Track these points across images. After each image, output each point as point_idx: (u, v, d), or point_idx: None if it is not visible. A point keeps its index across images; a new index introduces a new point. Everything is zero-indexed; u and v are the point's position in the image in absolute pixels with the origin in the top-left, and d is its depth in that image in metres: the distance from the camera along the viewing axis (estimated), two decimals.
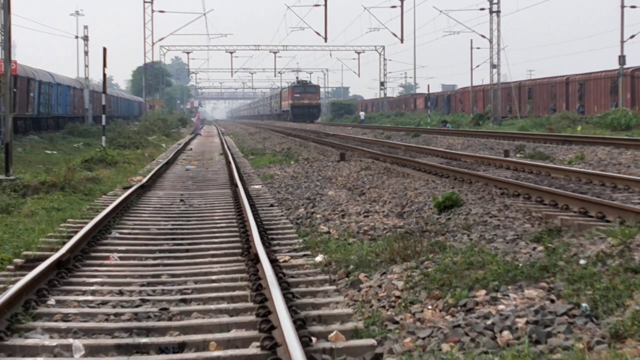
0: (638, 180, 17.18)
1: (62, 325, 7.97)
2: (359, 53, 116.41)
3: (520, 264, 9.29)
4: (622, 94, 62.44)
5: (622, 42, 64.28)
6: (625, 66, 63.22)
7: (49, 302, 8.79)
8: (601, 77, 67.53)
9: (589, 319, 7.20)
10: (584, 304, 7.55)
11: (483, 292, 8.34)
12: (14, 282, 9.01)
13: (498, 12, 70.86)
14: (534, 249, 10.46)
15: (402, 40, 77.65)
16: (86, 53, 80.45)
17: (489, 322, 7.44)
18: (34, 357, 6.89)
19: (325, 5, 75.86)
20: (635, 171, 20.77)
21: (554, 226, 12.03)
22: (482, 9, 70.33)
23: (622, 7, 64.06)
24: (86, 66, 79.10)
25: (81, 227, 12.96)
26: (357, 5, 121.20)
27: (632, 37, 64.86)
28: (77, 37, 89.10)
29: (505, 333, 7.11)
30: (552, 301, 7.81)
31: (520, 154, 27.52)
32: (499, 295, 8.21)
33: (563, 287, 8.20)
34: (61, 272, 10.03)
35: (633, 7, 64.54)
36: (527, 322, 7.25)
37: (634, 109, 55.50)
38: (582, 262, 9.28)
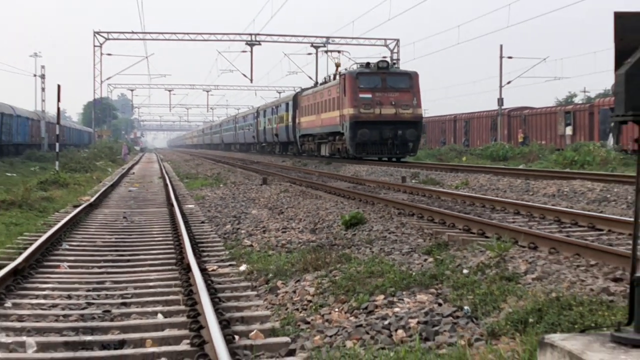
0: (512, 203, 17.46)
1: (17, 324, 7.84)
2: (279, 93, 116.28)
3: (414, 273, 9.36)
4: (500, 131, 64.46)
5: (501, 87, 65.97)
6: (503, 107, 65.32)
7: (6, 305, 8.64)
8: (483, 116, 69.37)
9: (470, 320, 7.29)
10: (466, 307, 7.64)
11: (382, 296, 8.39)
12: None
13: (398, 59, 71.93)
14: (425, 260, 10.55)
15: (316, 84, 77.98)
16: (43, 89, 79.65)
17: (386, 322, 7.49)
18: None
19: (251, 51, 75.92)
20: (510, 195, 21.10)
21: (442, 241, 12.14)
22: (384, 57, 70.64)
23: (501, 57, 65.75)
24: (43, 100, 78.48)
25: (35, 240, 12.79)
26: (279, 51, 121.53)
27: (508, 82, 66.51)
28: (35, 75, 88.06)
29: (400, 332, 7.16)
30: (440, 304, 7.89)
31: (415, 180, 27.73)
32: (395, 299, 8.27)
33: (449, 292, 8.30)
34: (17, 278, 9.87)
35: (510, 57, 66.36)
36: (418, 322, 7.31)
37: (510, 143, 57.18)
38: (465, 271, 9.40)
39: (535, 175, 26.50)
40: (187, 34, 79.10)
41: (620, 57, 4.63)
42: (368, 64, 43.71)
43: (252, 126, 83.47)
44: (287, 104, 62.95)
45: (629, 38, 4.63)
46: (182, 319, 7.91)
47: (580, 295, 7.54)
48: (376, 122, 40.96)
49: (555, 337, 4.75)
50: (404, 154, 42.20)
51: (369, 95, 41.43)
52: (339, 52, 56.78)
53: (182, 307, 8.44)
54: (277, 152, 71.67)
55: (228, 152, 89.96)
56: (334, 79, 48.75)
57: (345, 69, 45.23)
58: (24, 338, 7.20)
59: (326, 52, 60.91)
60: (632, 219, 4.80)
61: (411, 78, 42.91)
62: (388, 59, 43.98)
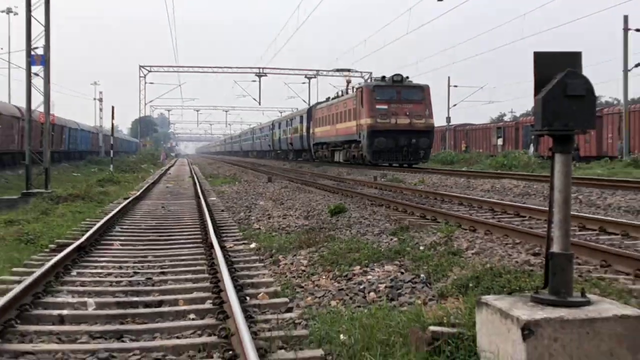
0: (457, 196, 17.48)
1: (80, 288, 7.81)
2: (280, 112, 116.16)
3: (382, 249, 9.38)
4: (448, 141, 64.49)
5: (449, 108, 66.03)
6: (450, 124, 65.76)
7: (72, 273, 8.61)
8: (437, 131, 69.23)
9: (425, 285, 7.31)
10: (422, 275, 7.66)
11: (358, 267, 8.40)
12: (48, 260, 8.82)
13: None
14: (391, 239, 10.56)
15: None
16: (101, 109, 79.74)
17: (361, 286, 7.50)
18: (61, 309, 6.72)
19: (260, 81, 75.98)
20: (455, 190, 21.11)
21: (404, 225, 12.14)
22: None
23: (449, 86, 66.01)
24: (100, 118, 78.56)
25: (94, 224, 12.73)
26: (281, 81, 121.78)
27: (454, 105, 67.07)
28: (94, 99, 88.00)
29: (372, 294, 7.17)
30: (402, 273, 7.90)
31: (384, 179, 27.74)
32: (368, 269, 8.27)
33: (409, 264, 8.32)
34: (80, 253, 9.83)
35: (455, 86, 66.86)
36: (386, 287, 7.32)
37: (455, 151, 57.44)
38: (421, 248, 9.42)
39: (474, 175, 26.59)
40: (211, 67, 79.32)
41: (538, 86, 4.64)
42: (384, 77, 38.36)
43: (268, 136, 77.76)
44: (302, 117, 57.63)
45: (544, 72, 4.64)
46: (206, 284, 7.89)
47: (508, 266, 7.59)
48: (392, 131, 35.84)
49: (489, 298, 4.76)
50: (417, 161, 37.09)
51: (385, 107, 36.29)
52: (349, 70, 51.56)
53: (206, 275, 8.41)
54: (290, 158, 65.13)
55: (244, 158, 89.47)
56: (346, 93, 44.90)
57: (359, 83, 40.60)
58: (85, 299, 7.17)
59: (337, 70, 55.13)
60: (547, 209, 4.81)
61: (423, 90, 37.62)
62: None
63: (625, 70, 40.67)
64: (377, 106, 36.35)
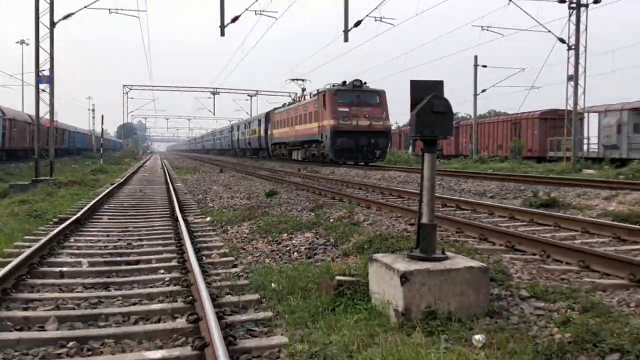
0: (357, 182, 17.63)
1: (76, 251, 7.55)
2: (230, 121, 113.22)
3: (303, 221, 9.38)
4: None
5: None
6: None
7: (70, 240, 8.32)
8: None
9: (333, 247, 7.34)
10: (331, 239, 7.70)
11: (286, 234, 8.38)
12: (51, 230, 8.50)
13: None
14: (310, 214, 10.58)
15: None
16: (93, 117, 76.91)
17: (288, 248, 7.49)
18: (61, 267, 6.50)
19: (214, 97, 74.55)
20: (356, 179, 21.29)
21: (320, 204, 12.19)
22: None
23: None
24: (93, 123, 75.63)
25: (88, 203, 12.32)
26: (231, 97, 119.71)
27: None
28: (89, 109, 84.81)
29: (295, 254, 7.17)
30: (317, 239, 7.91)
31: (304, 170, 27.71)
32: (293, 236, 8.26)
33: (322, 232, 8.34)
34: (77, 225, 9.51)
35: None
36: (305, 248, 7.33)
37: None
38: (331, 220, 9.47)
39: (370, 168, 26.86)
40: (177, 86, 77.36)
41: (413, 104, 4.73)
42: (344, 82, 31.91)
43: (228, 137, 70.81)
44: (260, 120, 50.37)
45: (417, 94, 4.74)
46: (173, 247, 7.74)
47: (392, 232, 7.70)
48: (353, 132, 30.14)
49: (378, 256, 4.84)
50: (375, 159, 31.45)
51: (347, 109, 30.33)
52: (303, 80, 43.43)
53: (173, 241, 8.24)
54: (247, 155, 57.42)
55: (205, 155, 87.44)
56: (303, 99, 38.48)
57: (317, 89, 33.93)
58: (80, 259, 6.95)
59: (292, 80, 44.89)
60: (418, 191, 4.92)
61: (380, 95, 31.31)
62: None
63: (475, 94, 42.87)
64: (340, 109, 30.43)
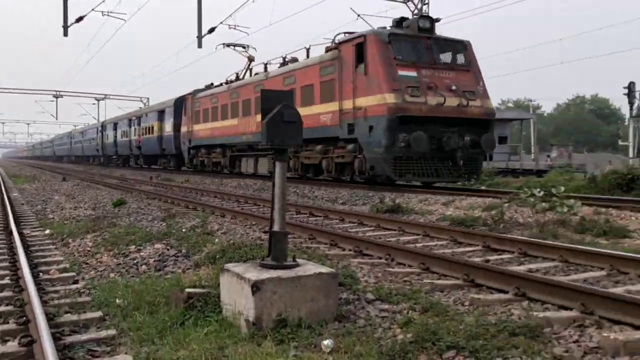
0: (212, 190, 17.38)
1: None
2: (75, 126, 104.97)
3: (154, 232, 9.04)
4: None
5: None
6: None
7: None
8: None
9: (185, 258, 7.14)
10: (183, 250, 7.49)
11: (134, 246, 7.98)
12: None
13: None
14: (161, 224, 10.22)
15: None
16: None
17: (135, 261, 7.14)
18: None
19: (57, 101, 69.32)
20: (212, 187, 20.94)
21: (172, 213, 11.81)
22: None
23: None
24: None
25: None
26: (76, 101, 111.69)
27: None
28: None
29: (143, 267, 6.86)
30: (168, 249, 7.65)
31: (157, 178, 26.72)
32: (142, 248, 7.90)
33: (174, 242, 8.08)
34: None
35: None
36: (154, 260, 7.04)
37: None
38: (184, 230, 9.24)
39: (226, 177, 26.52)
40: (18, 89, 71.00)
41: (264, 114, 4.76)
42: (401, 20, 16.17)
43: (95, 140, 53.03)
44: (161, 112, 34.00)
45: (268, 105, 4.77)
46: (6, 264, 7.02)
47: (246, 241, 7.66)
48: (432, 120, 14.57)
49: (229, 265, 4.78)
50: (470, 177, 15.44)
51: (414, 74, 14.74)
52: (247, 46, 25.89)
53: (6, 257, 7.47)
54: (139, 164, 40.49)
55: (48, 162, 79.79)
56: (243, 77, 24.50)
57: (335, 40, 17.00)
58: None
59: (226, 45, 25.87)
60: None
61: (467, 49, 15.96)
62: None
63: None
64: (400, 72, 14.71)
